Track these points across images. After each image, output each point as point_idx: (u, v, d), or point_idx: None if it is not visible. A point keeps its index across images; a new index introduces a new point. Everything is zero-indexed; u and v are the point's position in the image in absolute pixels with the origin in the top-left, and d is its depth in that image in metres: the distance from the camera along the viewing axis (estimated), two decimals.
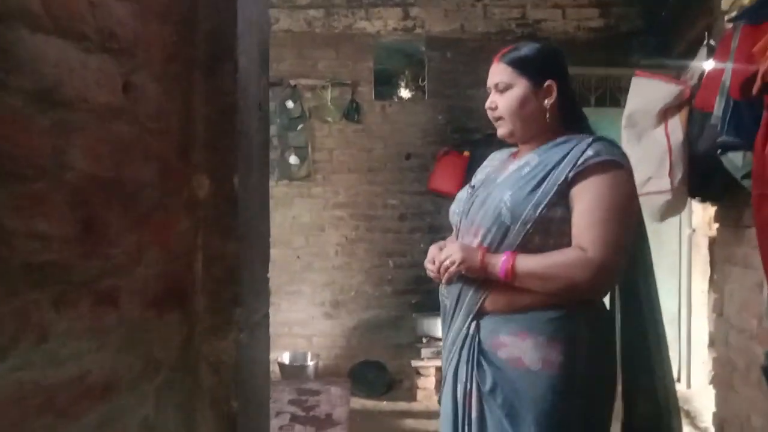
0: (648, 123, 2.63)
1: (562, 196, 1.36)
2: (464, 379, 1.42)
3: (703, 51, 2.70)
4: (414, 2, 4.51)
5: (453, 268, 1.41)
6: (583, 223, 1.33)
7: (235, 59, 0.98)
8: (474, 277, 1.43)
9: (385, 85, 4.91)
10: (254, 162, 1.10)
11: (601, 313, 1.48)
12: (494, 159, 1.63)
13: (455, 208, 1.54)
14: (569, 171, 1.35)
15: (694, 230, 4.13)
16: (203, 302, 0.98)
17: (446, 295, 1.51)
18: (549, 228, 1.36)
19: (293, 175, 4.45)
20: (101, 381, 0.77)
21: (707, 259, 3.55)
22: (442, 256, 1.43)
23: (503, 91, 1.47)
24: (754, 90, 1.80)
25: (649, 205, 2.71)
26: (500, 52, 1.51)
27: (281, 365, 4.18)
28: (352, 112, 4.49)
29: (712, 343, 3.32)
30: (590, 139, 1.40)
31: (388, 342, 4.44)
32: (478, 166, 1.68)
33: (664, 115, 2.61)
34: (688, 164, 2.58)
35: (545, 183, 1.37)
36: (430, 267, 1.49)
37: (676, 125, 2.58)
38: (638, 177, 2.80)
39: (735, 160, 2.13)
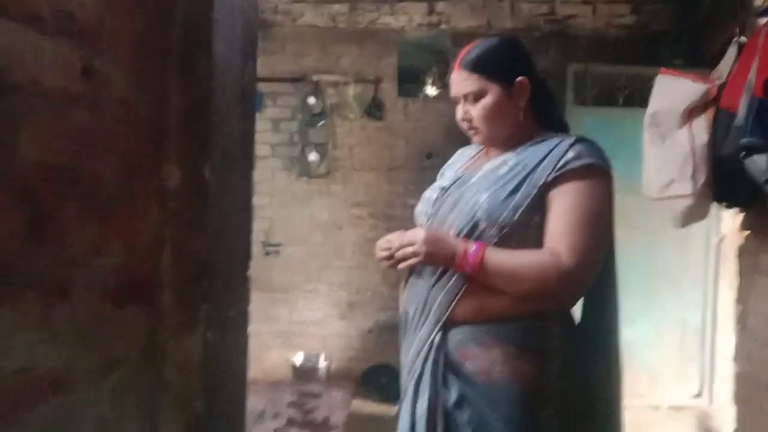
0: (672, 123, 2.53)
1: (540, 200, 1.29)
2: (428, 393, 1.32)
3: (733, 48, 2.59)
4: None
5: (412, 260, 1.32)
6: (559, 227, 1.27)
7: (210, 46, 0.95)
8: (433, 264, 1.34)
9: (411, 82, 4.86)
10: (234, 152, 1.07)
11: (574, 325, 1.40)
12: (463, 155, 1.55)
13: (423, 208, 1.45)
14: (549, 173, 1.28)
15: (722, 238, 3.99)
16: (170, 298, 0.95)
17: (410, 301, 1.41)
18: (526, 233, 1.30)
19: (312, 173, 4.42)
20: (51, 375, 0.75)
21: (736, 269, 3.42)
22: (405, 239, 1.32)
23: (475, 101, 1.38)
24: None
25: (670, 210, 2.61)
26: (459, 57, 1.40)
27: (293, 366, 4.15)
28: (374, 109, 4.45)
29: (735, 358, 3.21)
30: (571, 140, 1.33)
31: None
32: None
33: (689, 115, 2.50)
34: (712, 168, 2.47)
35: (524, 186, 1.30)
36: (382, 246, 1.36)
37: (701, 126, 2.47)
38: (660, 179, 2.72)
39: (759, 163, 2.03)
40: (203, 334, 0.95)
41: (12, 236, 0.68)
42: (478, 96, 1.37)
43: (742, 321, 3.02)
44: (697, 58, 3.93)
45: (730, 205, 2.83)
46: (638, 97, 3.95)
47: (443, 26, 4.44)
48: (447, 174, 1.51)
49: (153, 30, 0.91)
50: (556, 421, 1.31)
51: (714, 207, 2.86)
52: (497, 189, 1.32)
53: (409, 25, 4.46)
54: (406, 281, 1.44)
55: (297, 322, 4.44)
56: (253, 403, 2.24)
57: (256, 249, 4.63)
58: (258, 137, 4.86)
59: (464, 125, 1.43)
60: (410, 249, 1.31)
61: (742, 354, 3.02)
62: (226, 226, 1.04)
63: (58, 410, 0.76)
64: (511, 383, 1.27)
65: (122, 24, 0.85)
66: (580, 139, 1.33)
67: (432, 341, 1.33)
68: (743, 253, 3.03)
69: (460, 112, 1.41)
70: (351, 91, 4.44)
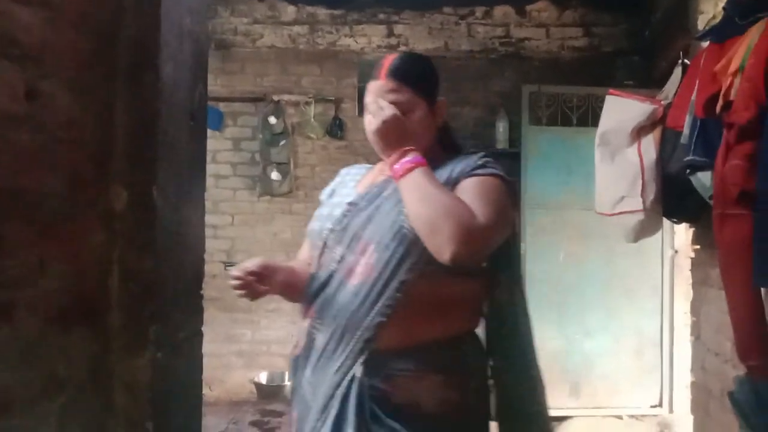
0: (621, 142, 2.61)
1: None
2: None
3: (678, 70, 2.70)
4: (398, 20, 4.52)
5: (380, 116, 1.26)
6: (468, 199, 1.23)
7: (158, 67, 0.95)
8: (382, 141, 1.27)
9: None
10: (183, 174, 1.07)
11: (482, 345, 1.37)
12: (352, 175, 1.50)
13: (322, 225, 1.35)
14: (460, 177, 1.28)
15: (676, 251, 4.11)
16: (119, 319, 0.94)
17: (321, 327, 1.27)
18: None
19: (275, 191, 4.42)
20: None
21: (690, 281, 3.52)
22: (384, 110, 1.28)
23: (404, 114, 1.29)
24: (717, 108, 1.78)
25: (622, 225, 2.69)
26: (385, 66, 1.34)
27: (257, 385, 4.11)
28: (335, 129, 4.48)
29: (691, 368, 3.29)
30: (481, 154, 1.34)
31: None
32: None
33: (638, 134, 2.59)
34: (661, 184, 2.55)
35: None
36: (236, 274, 1.22)
37: (649, 144, 2.56)
38: (611, 196, 2.80)
39: (704, 180, 2.11)
40: (153, 355, 0.95)
41: None
42: (405, 110, 1.30)
43: (696, 332, 3.10)
44: (648, 79, 4.06)
45: (680, 221, 2.93)
46: (591, 116, 4.07)
47: (402, 48, 4.51)
48: (342, 192, 1.44)
49: (99, 50, 0.91)
50: None
51: (666, 222, 2.95)
52: None
53: (368, 47, 4.52)
54: (308, 308, 1.31)
55: (260, 342, 4.40)
56: (215, 423, 2.22)
57: (217, 269, 4.60)
58: (219, 156, 4.83)
59: (368, 124, 1.32)
60: (380, 113, 1.26)
61: (696, 364, 3.10)
62: (175, 247, 1.04)
63: None
64: (441, 413, 1.22)
65: (67, 45, 0.85)
66: (488, 155, 1.34)
67: (351, 376, 1.21)
68: (695, 266, 3.13)
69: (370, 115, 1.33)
70: (312, 110, 4.47)
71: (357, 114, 4.52)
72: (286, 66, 4.57)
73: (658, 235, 3.22)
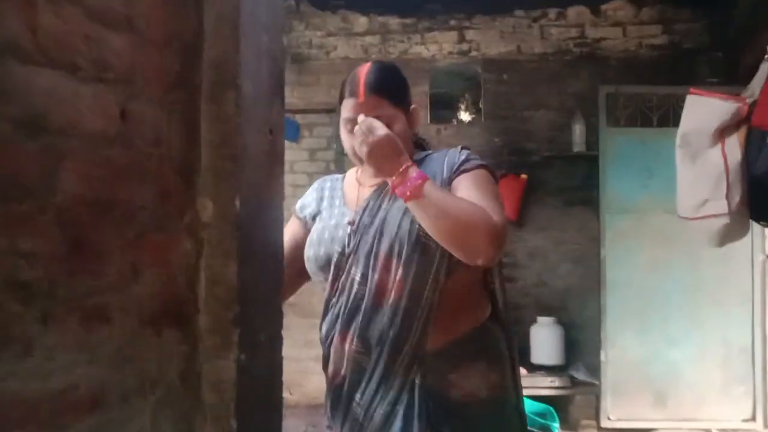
0: (703, 143, 2.52)
1: None
2: None
3: (764, 66, 2.57)
4: (469, 25, 4.52)
5: (370, 139, 1.24)
6: (470, 195, 1.27)
7: (238, 86, 1.01)
8: (374, 164, 1.26)
9: (444, 108, 4.93)
10: (263, 185, 1.13)
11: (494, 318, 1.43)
12: (327, 190, 1.52)
13: (328, 249, 1.36)
14: (449, 175, 1.32)
15: (767, 256, 3.91)
16: (205, 322, 1.00)
17: (363, 351, 1.29)
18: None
19: None
20: (90, 395, 0.80)
21: None
22: (365, 125, 1.26)
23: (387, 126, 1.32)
24: None
25: (706, 229, 2.59)
26: (362, 82, 1.36)
27: None
28: None
29: None
30: (459, 149, 1.40)
31: None
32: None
33: (721, 134, 2.50)
34: (747, 186, 2.44)
35: None
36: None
37: (734, 145, 2.46)
38: (694, 199, 2.70)
39: None
40: (237, 357, 1.00)
41: (53, 259, 0.75)
42: (388, 124, 1.32)
43: None
44: (732, 76, 3.89)
45: None
46: (673, 116, 3.94)
47: (473, 53, 4.51)
48: (332, 212, 1.45)
49: (183, 71, 0.98)
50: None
51: (755, 226, 2.82)
52: None
53: (439, 54, 4.54)
54: (343, 335, 1.33)
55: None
56: (294, 425, 2.29)
57: None
58: (296, 167, 5.04)
59: (362, 150, 1.32)
60: (368, 136, 1.24)
61: None
62: (257, 254, 1.10)
63: (98, 428, 0.82)
64: (492, 396, 1.29)
65: (154, 67, 0.92)
66: (465, 147, 1.41)
67: (414, 383, 1.25)
68: None
69: (357, 138, 1.32)
70: None
71: (428, 121, 4.55)
72: None
73: (747, 239, 3.08)
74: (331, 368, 1.38)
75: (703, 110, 2.54)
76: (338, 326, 1.33)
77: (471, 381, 1.28)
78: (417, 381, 1.25)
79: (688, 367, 3.99)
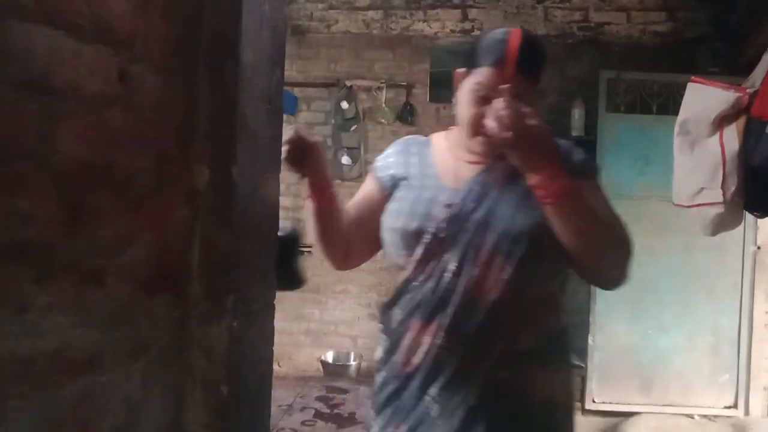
0: (702, 131, 2.52)
1: None
2: None
3: (767, 56, 2.57)
4: (473, 4, 4.49)
5: (523, 124, 1.05)
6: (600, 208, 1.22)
7: (238, 55, 1.00)
8: (519, 158, 1.10)
9: (443, 87, 4.90)
10: (260, 155, 1.13)
11: None
12: (413, 154, 1.37)
13: (421, 226, 1.23)
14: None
15: (759, 247, 3.94)
16: (199, 288, 1.01)
17: (448, 345, 1.18)
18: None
19: (345, 176, 4.50)
20: (83, 356, 0.81)
21: None
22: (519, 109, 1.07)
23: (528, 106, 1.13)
24: None
25: (700, 218, 2.60)
26: (514, 52, 1.17)
27: (324, 363, 4.23)
28: (406, 114, 4.51)
29: None
30: (572, 144, 1.33)
31: None
32: None
33: (720, 123, 2.50)
34: (743, 176, 2.45)
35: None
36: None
37: (732, 134, 2.46)
38: (690, 187, 2.71)
39: None
40: (229, 324, 1.01)
41: (50, 220, 0.75)
42: (529, 102, 1.14)
43: None
44: (734, 66, 3.88)
45: (763, 215, 2.80)
46: (673, 104, 3.93)
47: (476, 33, 4.48)
48: (423, 182, 1.31)
49: (184, 38, 0.97)
50: None
51: (749, 217, 2.83)
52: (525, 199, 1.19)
53: (442, 32, 4.51)
54: (425, 323, 1.22)
55: (327, 322, 4.51)
56: (283, 396, 2.33)
57: None
58: None
59: (493, 129, 1.10)
60: (519, 120, 1.05)
61: None
62: (252, 224, 1.10)
63: (89, 389, 0.83)
64: (565, 400, 1.28)
65: (155, 32, 0.91)
66: (577, 144, 1.34)
67: (499, 382, 1.18)
68: None
69: (490, 111, 1.12)
70: (384, 96, 4.51)
71: (428, 100, 4.53)
72: (360, 51, 4.62)
73: (740, 229, 3.10)
74: (401, 356, 1.23)
75: (703, 99, 2.53)
76: (419, 314, 1.21)
77: (554, 384, 1.23)
78: (502, 381, 1.18)
79: (676, 354, 4.03)
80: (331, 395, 2.44)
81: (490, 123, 1.10)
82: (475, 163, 1.27)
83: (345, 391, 2.51)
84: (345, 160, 4.48)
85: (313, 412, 2.23)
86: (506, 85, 1.16)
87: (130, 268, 0.88)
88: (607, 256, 1.16)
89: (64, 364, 0.79)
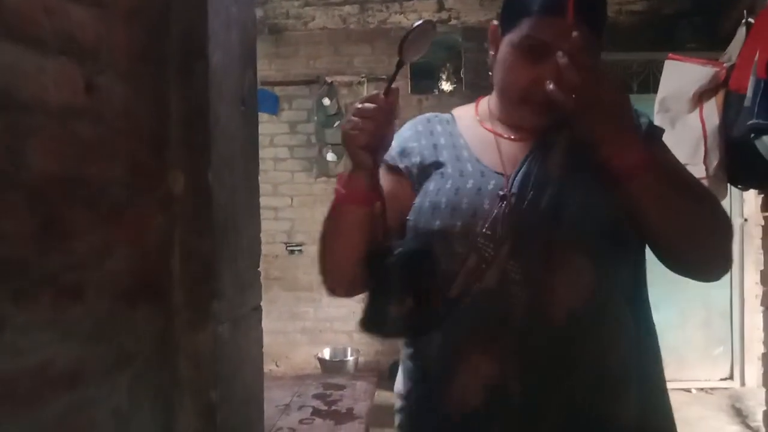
0: (681, 108, 2.53)
1: None
2: None
3: (742, 30, 2.58)
4: None
5: (597, 85, 0.83)
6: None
7: (207, 57, 1.00)
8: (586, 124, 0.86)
9: (427, 79, 4.90)
10: (236, 158, 1.12)
11: None
12: (447, 134, 1.06)
13: (469, 223, 0.94)
14: None
15: (746, 219, 3.96)
16: (181, 296, 1.00)
17: (513, 377, 0.91)
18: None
19: (331, 172, 4.49)
20: (66, 371, 0.80)
21: (760, 249, 3.40)
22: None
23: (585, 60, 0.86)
24: None
25: None
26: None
27: (321, 360, 4.23)
28: None
29: (764, 339, 3.18)
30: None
31: None
32: None
33: (699, 99, 2.51)
34: (725, 150, 2.46)
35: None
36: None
37: (712, 109, 2.47)
38: None
39: None
40: (214, 329, 1.00)
41: (23, 237, 0.74)
42: (593, 60, 0.89)
43: (767, 301, 2.99)
44: (713, 40, 3.90)
45: (746, 187, 2.82)
46: (652, 82, 3.94)
47: (453, 22, 4.47)
48: (459, 163, 1.01)
49: (150, 43, 0.96)
50: None
51: (734, 190, 2.85)
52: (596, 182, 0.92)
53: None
54: (457, 358, 0.93)
55: (323, 319, 4.51)
56: (280, 396, 2.33)
57: (278, 249, 4.73)
58: (276, 140, 4.95)
59: (554, 92, 0.86)
60: (590, 79, 0.83)
61: None
62: (232, 228, 1.09)
63: (75, 404, 0.82)
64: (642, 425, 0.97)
65: (120, 39, 0.90)
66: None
67: (585, 421, 0.91)
68: (766, 233, 3.01)
69: (547, 70, 0.88)
70: (365, 90, 4.50)
71: (409, 92, 4.52)
72: (338, 47, 4.60)
73: (726, 203, 3.11)
74: (449, 396, 0.93)
75: (681, 75, 2.54)
76: (473, 340, 0.92)
77: (657, 415, 0.99)
78: (591, 422, 0.91)
79: (669, 330, 4.06)
80: (328, 392, 2.44)
81: (550, 85, 0.86)
82: (520, 139, 1.00)
83: (342, 387, 2.52)
84: (330, 156, 4.47)
85: (310, 410, 2.24)
86: (573, 34, 0.84)
87: (110, 281, 0.87)
88: (707, 236, 0.90)
89: (48, 380, 0.78)
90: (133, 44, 0.93)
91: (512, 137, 1.02)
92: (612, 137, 0.86)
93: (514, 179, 0.96)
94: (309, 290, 4.51)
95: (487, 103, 1.10)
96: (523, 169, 0.96)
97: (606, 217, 0.92)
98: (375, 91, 0.96)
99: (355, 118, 0.94)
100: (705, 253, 0.94)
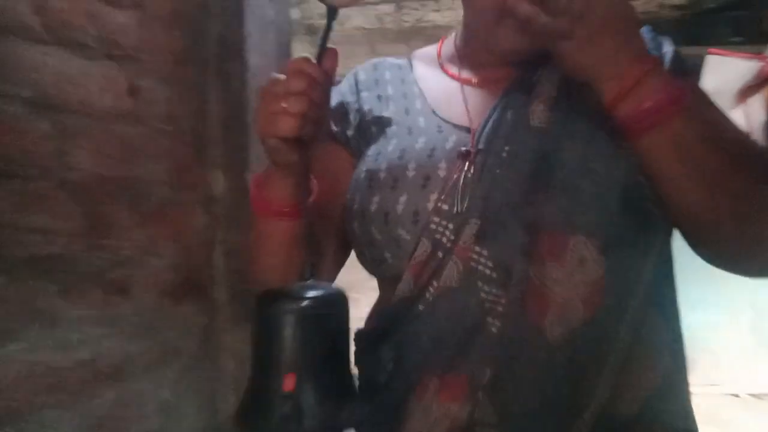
0: (725, 104, 2.45)
1: None
2: None
3: None
4: None
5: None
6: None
7: (244, 58, 1.02)
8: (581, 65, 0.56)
9: None
10: None
11: None
12: (398, 81, 0.77)
13: (417, 199, 0.63)
14: None
15: None
16: (224, 293, 1.02)
17: (497, 405, 0.59)
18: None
19: None
20: (114, 365, 0.83)
21: None
22: None
23: None
24: None
25: None
26: None
27: None
28: None
29: None
30: (648, 28, 0.73)
31: None
32: None
33: (744, 95, 2.44)
34: None
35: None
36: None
37: (757, 105, 2.40)
38: None
39: None
40: None
41: (72, 235, 0.77)
42: None
43: None
44: (758, 34, 3.79)
45: None
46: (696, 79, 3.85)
47: None
48: (408, 117, 0.71)
49: (190, 46, 0.99)
50: None
51: None
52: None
53: (455, 21, 4.48)
54: (454, 377, 0.60)
55: (361, 319, 4.53)
56: None
57: None
58: None
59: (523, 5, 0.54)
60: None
61: None
62: None
63: (124, 396, 0.85)
64: None
65: (161, 43, 0.93)
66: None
67: None
68: None
69: None
70: None
71: None
72: (375, 46, 4.61)
73: None
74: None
75: (724, 71, 2.48)
76: (431, 362, 0.61)
77: None
78: None
79: (711, 333, 3.95)
80: None
81: None
82: (492, 82, 0.69)
83: None
84: None
85: None
86: None
87: (155, 278, 0.90)
88: (761, 216, 0.59)
89: (97, 373, 0.81)
90: (173, 47, 0.95)
91: (482, 81, 0.71)
92: (611, 70, 0.56)
93: (482, 132, 0.65)
94: (348, 290, 4.53)
95: (454, 41, 0.78)
96: (494, 116, 0.66)
97: (615, 180, 0.61)
98: (303, 55, 0.62)
99: (275, 97, 0.58)
100: (757, 241, 0.61)
